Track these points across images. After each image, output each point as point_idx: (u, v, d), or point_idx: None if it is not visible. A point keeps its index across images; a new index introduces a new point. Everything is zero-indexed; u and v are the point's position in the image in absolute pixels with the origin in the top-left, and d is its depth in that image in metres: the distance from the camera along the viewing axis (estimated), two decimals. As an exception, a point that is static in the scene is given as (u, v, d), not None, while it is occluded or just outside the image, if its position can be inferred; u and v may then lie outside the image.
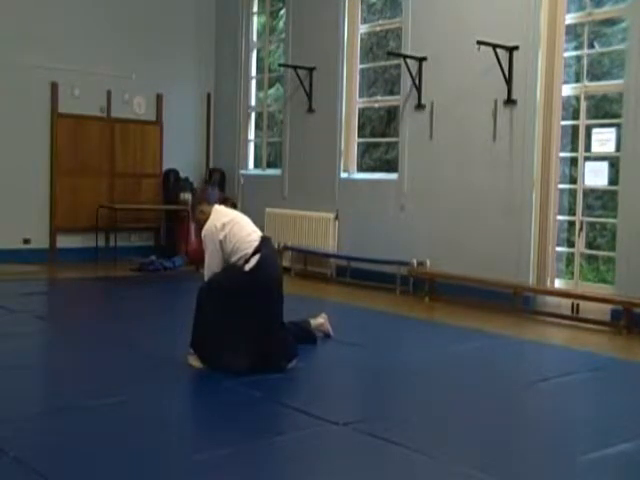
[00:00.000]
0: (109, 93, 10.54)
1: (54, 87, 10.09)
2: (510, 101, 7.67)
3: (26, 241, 9.93)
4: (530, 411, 4.46)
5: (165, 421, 4.00)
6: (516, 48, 7.56)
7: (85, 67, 10.21)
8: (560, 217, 7.61)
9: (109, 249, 10.36)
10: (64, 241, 10.20)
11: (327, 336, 5.92)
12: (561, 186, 7.59)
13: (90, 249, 10.26)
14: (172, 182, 10.98)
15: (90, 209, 10.26)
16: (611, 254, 7.27)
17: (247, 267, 4.91)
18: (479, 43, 7.50)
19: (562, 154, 7.57)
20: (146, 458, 3.45)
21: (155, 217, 10.98)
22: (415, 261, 8.37)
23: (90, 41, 10.24)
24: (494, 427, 4.10)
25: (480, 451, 3.70)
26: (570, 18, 7.47)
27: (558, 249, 7.61)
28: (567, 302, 7.35)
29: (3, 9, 9.64)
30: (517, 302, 7.46)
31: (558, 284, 7.57)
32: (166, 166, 11.05)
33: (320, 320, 5.92)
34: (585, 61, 7.45)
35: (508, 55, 7.60)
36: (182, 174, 11.05)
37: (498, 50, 7.53)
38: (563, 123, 7.53)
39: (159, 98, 11.01)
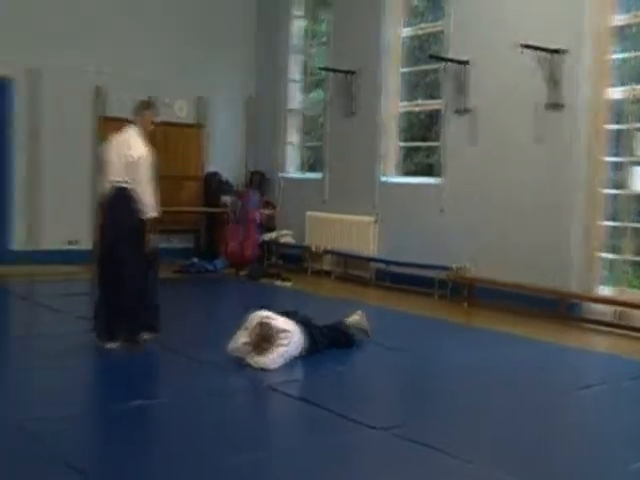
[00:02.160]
0: (151, 97, 10.63)
1: (99, 91, 10.25)
2: (555, 104, 7.54)
3: (71, 242, 10.07)
4: (572, 418, 4.37)
5: (203, 424, 4.00)
6: (561, 51, 7.43)
7: (129, 71, 10.33)
8: (606, 222, 7.46)
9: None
10: (107, 242, 10.30)
11: (365, 333, 5.83)
12: (607, 191, 7.44)
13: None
14: (214, 185, 11.04)
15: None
16: (658, 261, 7.10)
17: None
18: (523, 46, 7.40)
19: (609, 158, 7.42)
20: (184, 460, 3.46)
21: (196, 219, 11.04)
22: (455, 266, 8.27)
23: (135, 46, 10.37)
24: (535, 433, 4.02)
25: (520, 458, 3.63)
26: (618, 20, 7.33)
27: (603, 255, 7.46)
28: (612, 309, 7.19)
29: (51, 13, 9.81)
30: (561, 309, 7.32)
31: (603, 291, 7.42)
32: (208, 169, 11.12)
33: (356, 317, 5.85)
34: (633, 63, 7.30)
35: (553, 58, 7.48)
36: (223, 177, 11.11)
37: (543, 53, 7.42)
38: (610, 127, 7.38)
39: (201, 101, 11.10)
